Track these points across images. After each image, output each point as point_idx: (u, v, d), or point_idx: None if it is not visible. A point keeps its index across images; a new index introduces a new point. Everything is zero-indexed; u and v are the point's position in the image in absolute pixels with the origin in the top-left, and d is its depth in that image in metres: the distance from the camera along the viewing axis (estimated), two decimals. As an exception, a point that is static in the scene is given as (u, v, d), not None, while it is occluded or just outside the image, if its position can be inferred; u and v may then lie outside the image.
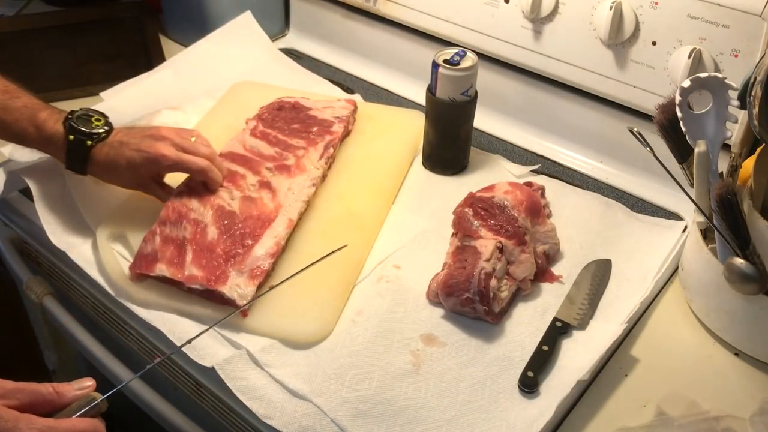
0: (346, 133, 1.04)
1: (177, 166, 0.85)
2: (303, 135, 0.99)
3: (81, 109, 0.85)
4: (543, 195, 0.93)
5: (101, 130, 0.84)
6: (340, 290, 0.82)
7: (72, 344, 1.00)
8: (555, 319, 0.80)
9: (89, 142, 0.83)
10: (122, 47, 1.29)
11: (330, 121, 1.02)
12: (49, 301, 0.93)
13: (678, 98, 0.75)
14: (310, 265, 0.80)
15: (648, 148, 0.77)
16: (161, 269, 0.79)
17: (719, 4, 0.85)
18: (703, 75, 0.77)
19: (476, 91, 0.96)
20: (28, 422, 0.59)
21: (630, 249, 0.89)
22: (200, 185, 0.87)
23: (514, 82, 1.09)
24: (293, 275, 0.80)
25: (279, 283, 0.79)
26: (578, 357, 0.76)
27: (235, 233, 0.83)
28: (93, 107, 0.87)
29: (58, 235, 0.85)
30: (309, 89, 1.16)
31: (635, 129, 0.79)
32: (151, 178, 0.87)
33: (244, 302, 0.77)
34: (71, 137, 0.83)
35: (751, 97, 0.72)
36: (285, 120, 1.01)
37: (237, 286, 0.78)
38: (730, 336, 0.80)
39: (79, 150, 0.83)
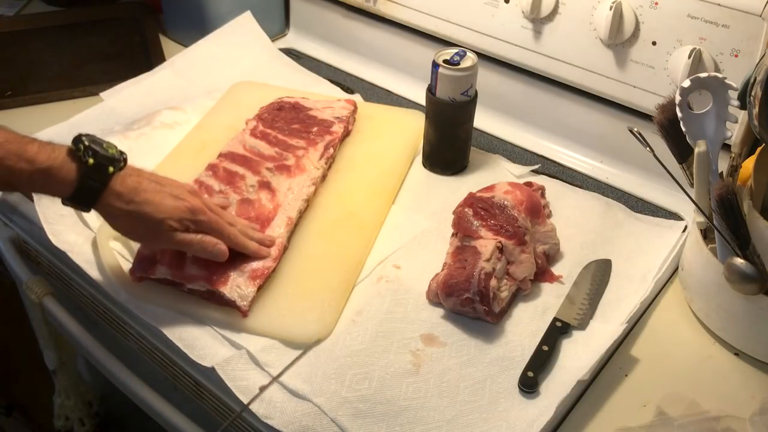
0: (346, 133, 1.04)
1: (209, 225, 0.78)
2: (303, 135, 0.99)
3: (84, 134, 0.74)
4: (543, 195, 0.93)
5: (119, 157, 0.75)
6: (340, 290, 0.82)
7: (72, 344, 1.00)
8: (555, 319, 0.80)
9: (111, 168, 0.73)
10: (122, 47, 1.29)
11: (330, 121, 1.02)
12: (49, 301, 0.93)
13: (678, 98, 0.75)
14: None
15: (648, 148, 0.77)
16: (162, 271, 0.79)
17: (719, 4, 0.85)
18: (703, 75, 0.77)
19: (476, 91, 0.96)
20: None
21: (630, 249, 0.89)
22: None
23: (514, 82, 1.09)
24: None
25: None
26: (578, 357, 0.76)
27: (235, 233, 0.83)
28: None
29: (58, 235, 0.85)
30: (309, 89, 1.16)
31: (635, 129, 0.79)
32: (170, 227, 0.76)
33: (245, 303, 0.77)
34: (91, 161, 0.72)
35: (751, 97, 0.72)
36: (285, 120, 1.01)
37: (238, 287, 0.78)
38: (730, 336, 0.80)
39: (98, 178, 0.72)
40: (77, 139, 0.73)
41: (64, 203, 0.74)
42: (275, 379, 0.72)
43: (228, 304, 0.78)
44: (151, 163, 0.98)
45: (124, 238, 0.86)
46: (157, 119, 1.03)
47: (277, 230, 0.85)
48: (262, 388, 0.71)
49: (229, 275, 0.79)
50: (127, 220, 0.76)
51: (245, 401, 0.71)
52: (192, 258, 0.80)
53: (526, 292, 0.83)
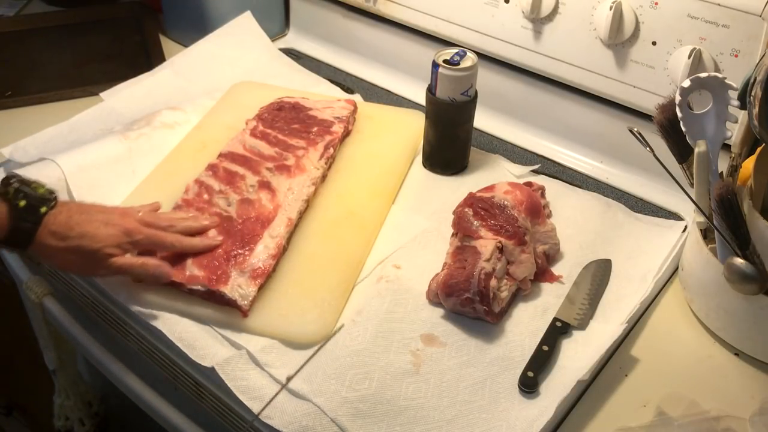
0: (346, 133, 1.04)
1: (148, 241, 0.78)
2: (303, 135, 0.99)
3: (12, 176, 0.74)
4: (543, 195, 0.93)
5: (50, 196, 0.75)
6: (340, 290, 0.82)
7: (72, 344, 1.00)
8: (555, 319, 0.80)
9: (43, 209, 0.73)
10: (122, 47, 1.29)
11: (330, 121, 1.02)
12: (49, 301, 0.93)
13: (678, 98, 0.75)
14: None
15: (648, 148, 0.77)
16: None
17: (719, 4, 0.85)
18: (703, 75, 0.77)
19: (476, 91, 0.96)
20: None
21: (630, 249, 0.89)
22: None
23: (514, 82, 1.09)
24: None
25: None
26: (578, 357, 0.76)
27: (235, 234, 0.83)
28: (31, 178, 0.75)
29: (58, 235, 0.85)
30: (309, 89, 1.16)
31: (635, 129, 0.79)
32: (108, 254, 0.76)
33: (246, 302, 0.77)
34: (22, 203, 0.72)
35: (751, 97, 0.72)
36: (285, 120, 1.01)
37: (239, 287, 0.78)
38: (730, 336, 0.80)
39: (31, 219, 0.73)
40: (6, 182, 0.73)
41: None
42: (284, 386, 0.71)
43: (228, 304, 0.78)
44: (151, 163, 0.98)
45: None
46: (157, 119, 1.03)
47: (277, 230, 0.85)
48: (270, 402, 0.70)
49: (230, 275, 0.79)
50: (65, 256, 0.75)
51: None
52: (192, 258, 0.80)
53: (526, 292, 0.83)
